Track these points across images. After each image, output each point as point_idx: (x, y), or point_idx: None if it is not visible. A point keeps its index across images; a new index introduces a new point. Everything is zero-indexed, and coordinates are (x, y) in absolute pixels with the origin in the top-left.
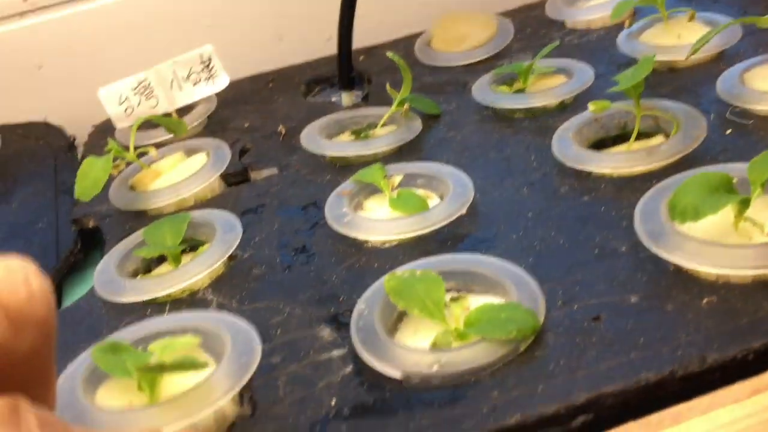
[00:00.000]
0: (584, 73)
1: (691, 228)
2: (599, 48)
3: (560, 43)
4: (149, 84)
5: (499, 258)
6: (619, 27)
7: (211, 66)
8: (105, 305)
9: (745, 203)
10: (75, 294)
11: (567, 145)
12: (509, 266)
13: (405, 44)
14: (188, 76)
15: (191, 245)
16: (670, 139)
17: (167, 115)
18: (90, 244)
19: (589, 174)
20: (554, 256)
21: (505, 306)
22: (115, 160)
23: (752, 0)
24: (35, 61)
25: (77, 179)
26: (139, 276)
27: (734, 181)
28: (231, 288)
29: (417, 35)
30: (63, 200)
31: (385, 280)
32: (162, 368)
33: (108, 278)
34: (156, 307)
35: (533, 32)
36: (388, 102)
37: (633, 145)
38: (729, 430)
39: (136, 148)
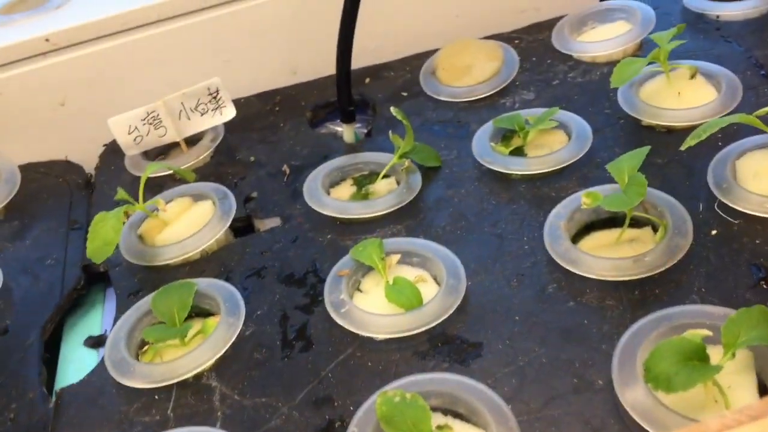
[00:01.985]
0: (583, 135)
1: None
2: (600, 93)
3: (561, 81)
4: (158, 115)
5: (482, 383)
6: None
7: (218, 97)
8: (115, 386)
9: (716, 370)
10: (77, 330)
11: (557, 237)
12: (492, 396)
13: (411, 66)
14: (196, 107)
15: (196, 312)
16: (655, 248)
17: (175, 143)
18: (94, 281)
19: (577, 274)
20: (535, 381)
21: None
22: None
23: (758, 41)
24: (58, 98)
25: (89, 237)
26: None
27: (707, 336)
28: (233, 374)
29: (425, 54)
30: (72, 237)
31: (377, 404)
32: None
33: (118, 356)
34: (163, 393)
35: (538, 62)
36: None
37: (623, 235)
38: None
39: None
